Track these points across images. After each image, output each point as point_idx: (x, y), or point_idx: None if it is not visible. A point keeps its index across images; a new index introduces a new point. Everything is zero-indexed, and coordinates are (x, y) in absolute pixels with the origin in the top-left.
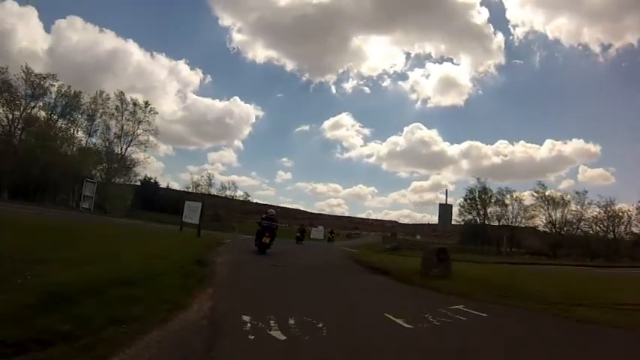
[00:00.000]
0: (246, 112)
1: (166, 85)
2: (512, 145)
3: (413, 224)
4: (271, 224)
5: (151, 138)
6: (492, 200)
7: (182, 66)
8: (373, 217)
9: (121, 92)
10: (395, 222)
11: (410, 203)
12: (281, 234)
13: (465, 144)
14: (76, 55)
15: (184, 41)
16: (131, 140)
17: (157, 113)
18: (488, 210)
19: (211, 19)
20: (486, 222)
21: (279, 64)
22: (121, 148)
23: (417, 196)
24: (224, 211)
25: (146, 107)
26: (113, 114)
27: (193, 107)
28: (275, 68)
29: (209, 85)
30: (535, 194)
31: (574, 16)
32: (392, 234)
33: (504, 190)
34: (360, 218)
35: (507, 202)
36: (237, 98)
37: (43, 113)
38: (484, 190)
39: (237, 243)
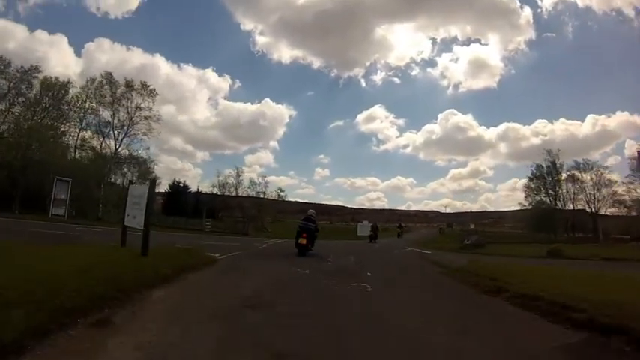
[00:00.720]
0: (278, 112)
1: (197, 93)
2: (552, 123)
3: (455, 213)
4: (307, 224)
5: (153, 125)
6: (562, 178)
7: (210, 74)
8: (413, 208)
9: (108, 73)
10: (437, 212)
11: (449, 192)
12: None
13: (502, 127)
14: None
15: (209, 50)
16: (127, 130)
17: (158, 94)
18: (562, 190)
19: (233, 25)
20: (558, 204)
21: (305, 63)
22: (115, 142)
23: (456, 184)
24: (255, 211)
25: (144, 89)
26: (109, 102)
27: (226, 112)
28: (302, 67)
29: (239, 90)
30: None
31: None
32: (447, 225)
33: (581, 164)
34: (400, 210)
35: (585, 177)
36: (268, 100)
37: (18, 109)
38: (553, 165)
39: (243, 261)
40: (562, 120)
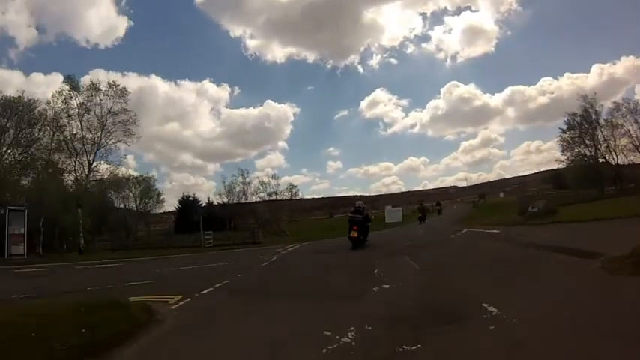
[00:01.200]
0: (282, 112)
1: (198, 106)
2: (557, 79)
3: (472, 186)
4: (356, 217)
5: (132, 129)
6: (601, 124)
7: (208, 85)
8: (430, 187)
9: (69, 77)
10: (455, 187)
11: (463, 165)
12: None
13: (507, 91)
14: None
15: (203, 61)
16: (101, 141)
17: (130, 92)
18: (601, 138)
19: (222, 33)
20: (599, 156)
21: (300, 59)
22: (88, 156)
23: (469, 156)
24: (269, 215)
25: (111, 89)
26: (76, 112)
27: (229, 120)
28: (298, 63)
29: (239, 96)
30: None
31: None
32: (480, 197)
33: (623, 104)
34: (418, 191)
35: (627, 120)
36: (270, 101)
37: None
38: (588, 113)
39: (214, 312)
40: (567, 74)
